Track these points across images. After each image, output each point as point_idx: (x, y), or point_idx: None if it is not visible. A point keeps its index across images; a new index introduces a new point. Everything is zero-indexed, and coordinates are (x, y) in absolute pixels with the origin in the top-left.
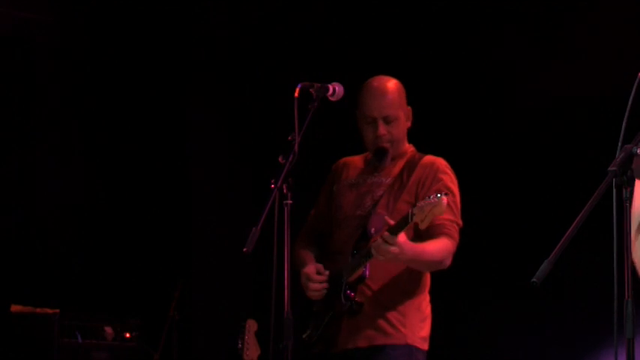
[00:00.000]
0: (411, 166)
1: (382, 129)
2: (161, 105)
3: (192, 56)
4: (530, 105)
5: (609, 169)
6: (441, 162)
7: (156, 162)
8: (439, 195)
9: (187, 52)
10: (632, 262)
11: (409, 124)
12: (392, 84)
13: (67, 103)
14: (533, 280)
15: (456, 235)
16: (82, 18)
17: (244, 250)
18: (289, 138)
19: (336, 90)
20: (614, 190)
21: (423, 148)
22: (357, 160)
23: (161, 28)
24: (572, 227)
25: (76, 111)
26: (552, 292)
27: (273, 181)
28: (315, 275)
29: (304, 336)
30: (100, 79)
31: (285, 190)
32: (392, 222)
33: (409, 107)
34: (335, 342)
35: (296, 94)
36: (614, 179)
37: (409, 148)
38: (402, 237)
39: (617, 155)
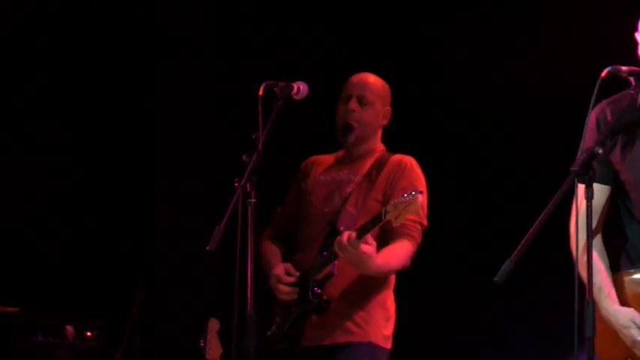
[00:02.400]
0: (380, 164)
1: (353, 104)
2: (128, 102)
3: (158, 58)
4: (495, 105)
5: (571, 169)
6: (409, 161)
7: (120, 160)
8: (413, 193)
9: (153, 56)
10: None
11: (385, 122)
12: (379, 78)
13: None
14: (495, 279)
15: (418, 237)
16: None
17: (207, 248)
18: (253, 136)
19: (300, 89)
20: (575, 190)
21: (392, 146)
22: (326, 159)
23: (127, 25)
24: (534, 227)
25: (42, 108)
26: (514, 292)
27: (237, 179)
28: (285, 277)
29: (269, 333)
30: (68, 75)
31: (248, 189)
32: (373, 244)
33: (389, 108)
34: (299, 339)
35: (260, 93)
36: (575, 179)
37: (380, 147)
38: (368, 248)
39: (579, 155)
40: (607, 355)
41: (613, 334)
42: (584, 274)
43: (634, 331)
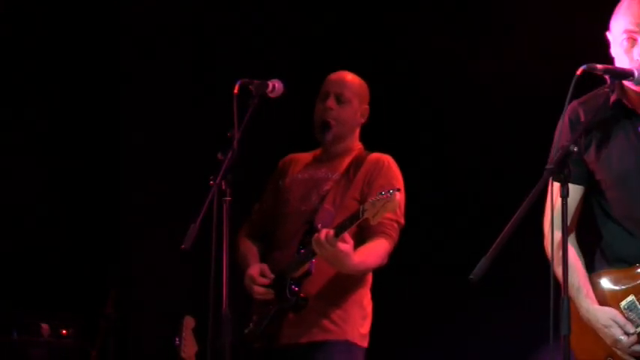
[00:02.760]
0: (358, 162)
1: (331, 102)
2: (94, 100)
3: (128, 56)
4: (471, 104)
5: (547, 167)
6: (387, 159)
7: (93, 158)
8: (391, 191)
9: (123, 53)
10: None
11: (362, 120)
12: (357, 77)
13: None
14: (471, 277)
15: (395, 235)
16: None
17: (182, 247)
18: (228, 134)
19: (275, 87)
20: (551, 188)
21: (369, 145)
22: (304, 157)
23: (95, 21)
24: (510, 224)
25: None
26: (490, 289)
27: (211, 177)
28: (260, 278)
29: (246, 331)
30: (33, 74)
31: (223, 187)
32: (350, 242)
33: (367, 106)
34: (277, 337)
35: (235, 91)
36: (551, 177)
37: (357, 146)
38: (345, 246)
39: (554, 153)
40: (587, 355)
41: (593, 333)
42: (560, 272)
43: (615, 330)
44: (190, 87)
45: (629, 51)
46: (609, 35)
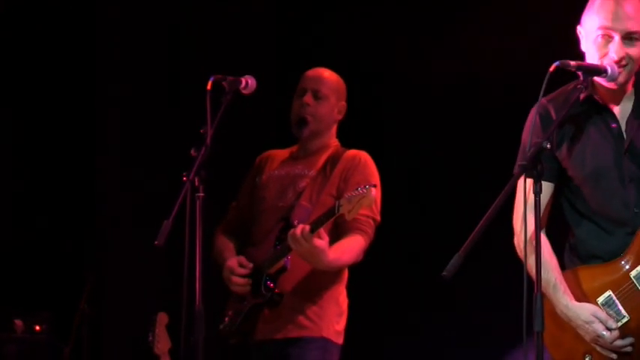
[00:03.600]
0: (334, 159)
1: (308, 98)
2: (70, 96)
3: (101, 53)
4: (447, 103)
5: (520, 163)
6: (363, 156)
7: (66, 154)
8: (367, 186)
9: (96, 50)
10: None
11: (339, 117)
12: (334, 73)
13: None
14: (444, 273)
15: (371, 231)
16: None
17: (156, 243)
18: (201, 131)
19: (248, 83)
20: (524, 185)
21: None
22: (281, 153)
23: (69, 16)
24: (482, 221)
25: None
26: (465, 286)
27: (185, 174)
28: (239, 269)
29: (221, 327)
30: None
31: (197, 183)
32: (326, 238)
33: (344, 103)
34: (252, 333)
35: (208, 87)
36: (524, 174)
37: (334, 142)
38: (320, 242)
39: (527, 149)
40: (563, 353)
41: (570, 331)
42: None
43: (597, 326)
44: (164, 83)
45: (603, 48)
46: (581, 30)
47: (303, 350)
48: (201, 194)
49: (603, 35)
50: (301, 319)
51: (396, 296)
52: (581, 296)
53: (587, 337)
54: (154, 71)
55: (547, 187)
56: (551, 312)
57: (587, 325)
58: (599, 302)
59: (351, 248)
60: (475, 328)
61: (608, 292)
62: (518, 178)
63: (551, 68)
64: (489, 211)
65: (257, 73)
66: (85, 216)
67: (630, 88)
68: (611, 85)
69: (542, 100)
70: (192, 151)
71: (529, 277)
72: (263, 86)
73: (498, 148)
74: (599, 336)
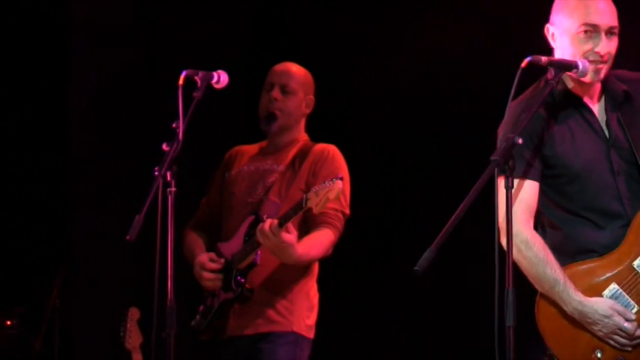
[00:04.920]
0: (303, 153)
1: (276, 93)
2: (41, 91)
3: (72, 47)
4: (419, 96)
5: (492, 158)
6: (331, 149)
7: (36, 151)
8: (333, 180)
9: (66, 44)
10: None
11: (308, 111)
12: (301, 68)
13: None
14: (416, 268)
15: (340, 225)
16: None
17: (127, 238)
18: (173, 125)
19: (220, 78)
20: (496, 180)
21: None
22: (250, 149)
23: (39, 11)
24: (454, 216)
25: None
26: (435, 281)
27: (157, 168)
28: (209, 264)
29: (192, 323)
30: None
31: (168, 178)
32: (294, 232)
33: (312, 97)
34: (223, 329)
35: (180, 82)
36: (496, 168)
37: (303, 137)
38: (288, 237)
39: (499, 144)
40: (572, 352)
41: (577, 329)
42: (539, 269)
43: (617, 319)
44: (135, 77)
45: (584, 44)
46: (551, 29)
47: (274, 345)
48: (173, 189)
49: (586, 31)
50: (272, 314)
51: (367, 290)
52: (585, 292)
53: (604, 332)
54: (125, 65)
55: (534, 186)
56: (553, 313)
57: (606, 319)
58: (605, 295)
59: (320, 242)
60: (447, 323)
61: (614, 285)
62: (489, 172)
63: (523, 64)
64: (461, 205)
65: (229, 67)
66: (56, 211)
67: (599, 83)
68: (587, 80)
69: (521, 97)
70: (164, 146)
71: (504, 273)
72: (235, 81)
73: (471, 141)
74: (620, 328)
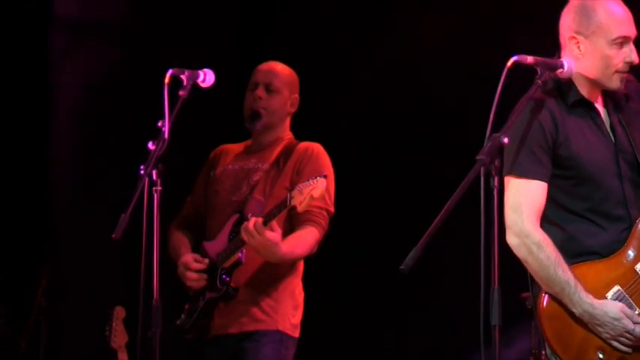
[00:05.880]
0: (287, 152)
1: (261, 92)
2: (23, 92)
3: (55, 42)
4: (403, 94)
5: (478, 157)
6: (316, 147)
7: (19, 146)
8: (318, 177)
9: (50, 39)
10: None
11: (292, 110)
12: (286, 67)
13: None
14: (402, 267)
15: (325, 223)
16: None
17: (113, 236)
18: (159, 124)
19: (206, 76)
20: (482, 179)
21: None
22: (235, 148)
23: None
24: (440, 215)
25: None
26: (421, 280)
27: (142, 167)
28: (194, 264)
29: (178, 322)
30: None
31: (154, 177)
32: (278, 230)
33: (297, 96)
34: (208, 328)
35: (166, 80)
36: (482, 168)
37: (288, 135)
38: (272, 235)
39: (485, 144)
40: (575, 352)
41: (581, 330)
42: (559, 272)
43: (626, 322)
44: (121, 75)
45: (618, 54)
46: (578, 37)
47: (259, 344)
48: (159, 187)
49: (620, 43)
50: (257, 312)
51: (352, 289)
52: (589, 293)
53: (611, 334)
54: (111, 63)
55: (543, 188)
56: (559, 313)
57: (615, 322)
58: (609, 298)
59: (304, 240)
60: (432, 322)
61: (617, 287)
62: (475, 171)
63: (509, 63)
64: (447, 204)
65: (215, 66)
66: (41, 209)
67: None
68: (613, 87)
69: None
70: (150, 145)
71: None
72: (220, 80)
73: (457, 140)
74: (628, 331)
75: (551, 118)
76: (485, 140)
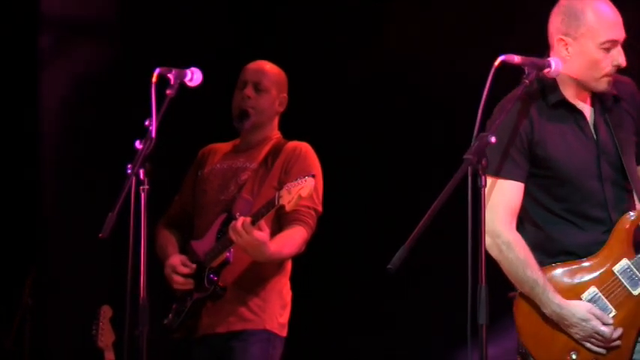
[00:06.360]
0: (276, 151)
1: (249, 91)
2: (11, 88)
3: (42, 42)
4: (390, 92)
5: (465, 156)
6: (304, 147)
7: (6, 144)
8: (306, 177)
9: (37, 38)
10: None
11: (281, 109)
12: (275, 66)
13: None
14: (389, 266)
15: (312, 222)
16: None
17: (100, 235)
18: (146, 123)
19: (194, 75)
20: (470, 178)
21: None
22: (223, 147)
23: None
24: (428, 214)
25: None
26: (409, 279)
27: (130, 166)
28: (181, 267)
29: (165, 321)
30: None
31: (141, 176)
32: (266, 230)
33: (285, 95)
34: (196, 328)
35: (153, 79)
36: (469, 167)
37: (276, 134)
38: (260, 235)
39: (472, 143)
40: (549, 353)
41: (555, 330)
42: (529, 272)
43: (595, 323)
44: (108, 74)
45: (606, 57)
46: (567, 39)
47: (247, 343)
48: (146, 187)
49: (608, 47)
50: (244, 312)
51: (339, 288)
52: (564, 294)
53: (581, 335)
54: (99, 62)
55: (519, 188)
56: (531, 312)
57: (583, 323)
58: (584, 299)
59: (292, 240)
60: (421, 321)
61: (593, 289)
62: (463, 171)
63: (497, 63)
64: (435, 203)
65: (202, 65)
66: (29, 208)
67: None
68: (601, 89)
69: (509, 96)
70: (138, 144)
71: (477, 271)
72: (209, 79)
73: (446, 140)
74: (597, 332)
75: (528, 118)
76: (473, 140)
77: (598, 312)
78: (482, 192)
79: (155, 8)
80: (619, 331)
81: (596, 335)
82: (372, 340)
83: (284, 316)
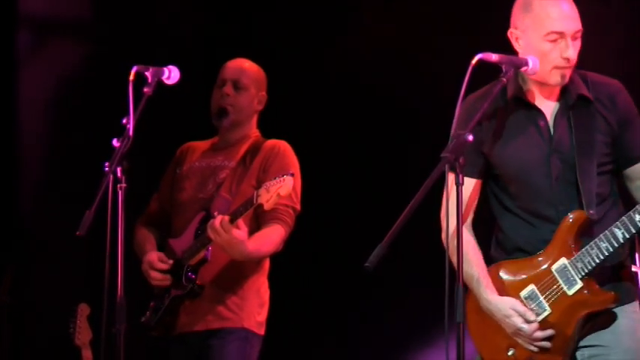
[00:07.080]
0: (254, 149)
1: (228, 89)
2: None
3: (20, 40)
4: (369, 90)
5: (442, 154)
6: (282, 145)
7: None
8: (284, 175)
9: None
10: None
11: (260, 107)
12: (254, 64)
13: None
14: (366, 264)
15: (291, 221)
16: None
17: (77, 233)
18: (124, 121)
19: (171, 73)
20: (447, 176)
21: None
22: (202, 145)
23: None
24: (405, 212)
25: None
26: (387, 278)
27: (107, 164)
28: (158, 263)
29: (143, 319)
30: None
31: (119, 174)
32: (244, 228)
33: (264, 93)
34: (173, 326)
35: (131, 77)
36: (447, 165)
37: (255, 133)
38: (238, 233)
39: (449, 141)
40: (489, 347)
41: (494, 325)
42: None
43: (516, 319)
44: (86, 72)
45: (553, 50)
46: (516, 32)
47: (224, 341)
48: (124, 184)
49: (554, 39)
50: (222, 310)
51: (317, 287)
52: (505, 290)
53: (509, 331)
54: (76, 61)
55: (471, 184)
56: (477, 307)
57: (507, 319)
58: (522, 296)
59: (270, 239)
60: (398, 319)
61: (531, 286)
62: (440, 169)
63: (474, 61)
64: (412, 201)
65: (181, 63)
66: (7, 206)
67: (558, 87)
68: (552, 83)
69: (471, 96)
70: (115, 142)
71: (453, 271)
72: (187, 77)
73: (423, 138)
74: (519, 329)
75: (483, 115)
76: (450, 138)
77: (521, 309)
78: (460, 190)
79: (132, 6)
80: (548, 332)
81: (519, 332)
82: (349, 339)
83: (262, 315)
